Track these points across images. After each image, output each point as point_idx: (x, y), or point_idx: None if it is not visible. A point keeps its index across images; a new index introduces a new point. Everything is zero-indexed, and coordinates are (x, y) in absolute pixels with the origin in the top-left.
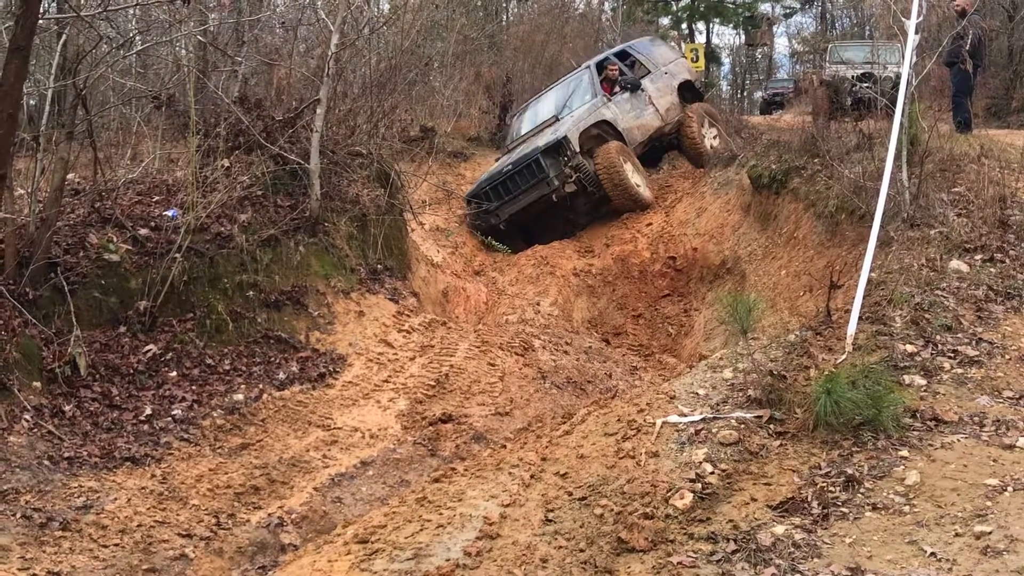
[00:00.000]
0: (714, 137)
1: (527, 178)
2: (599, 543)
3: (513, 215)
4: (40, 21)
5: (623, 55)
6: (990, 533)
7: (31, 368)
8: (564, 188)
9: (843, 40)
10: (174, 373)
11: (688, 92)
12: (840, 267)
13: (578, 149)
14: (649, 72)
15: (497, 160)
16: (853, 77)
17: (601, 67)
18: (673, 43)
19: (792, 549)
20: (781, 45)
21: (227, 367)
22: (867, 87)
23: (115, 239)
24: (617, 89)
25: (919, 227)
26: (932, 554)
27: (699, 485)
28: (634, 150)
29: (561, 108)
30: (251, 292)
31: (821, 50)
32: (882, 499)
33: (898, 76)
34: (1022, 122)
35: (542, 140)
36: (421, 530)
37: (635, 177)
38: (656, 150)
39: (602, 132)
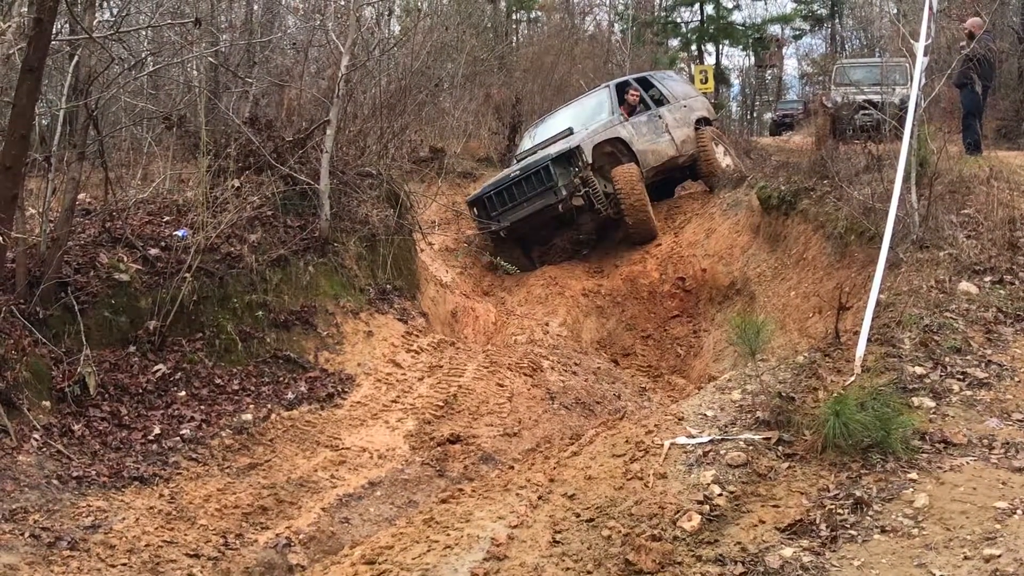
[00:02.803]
0: (725, 154)
1: (534, 185)
2: (607, 565)
3: (516, 223)
4: (53, 43)
5: (644, 82)
6: (999, 556)
7: (41, 387)
8: (571, 200)
9: (850, 59)
10: (183, 393)
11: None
12: (849, 288)
13: (591, 161)
14: (668, 102)
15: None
16: (856, 105)
17: (621, 89)
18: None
19: (800, 572)
20: (791, 66)
21: (236, 387)
22: (869, 114)
23: (125, 259)
24: (638, 110)
25: (928, 249)
26: None
27: (707, 507)
28: (646, 174)
29: (575, 123)
30: (260, 312)
31: (827, 71)
32: (891, 522)
33: (904, 98)
34: None
35: (554, 149)
36: (428, 551)
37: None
38: (669, 181)
39: (615, 151)
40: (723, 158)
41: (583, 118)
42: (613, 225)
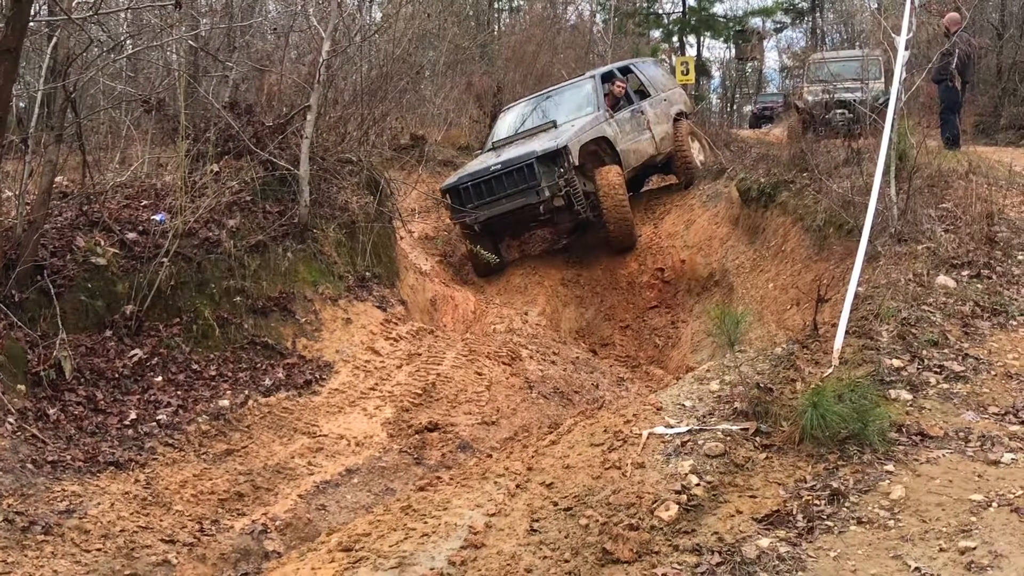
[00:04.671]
0: (699, 152)
1: (515, 182)
2: (584, 554)
3: (492, 219)
4: (31, 23)
5: (625, 70)
6: (975, 549)
7: (16, 371)
8: (552, 201)
9: (824, 53)
10: (159, 378)
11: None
12: (828, 281)
13: (577, 162)
14: (649, 95)
15: (477, 154)
16: (828, 102)
17: (605, 78)
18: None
19: (777, 562)
20: (771, 59)
21: (213, 373)
22: (842, 113)
23: (102, 243)
24: (622, 104)
25: (907, 242)
26: (916, 569)
27: (684, 497)
28: (626, 175)
29: (559, 114)
30: (238, 298)
31: (802, 65)
32: (867, 513)
33: (879, 94)
34: (1010, 139)
35: (539, 144)
36: (406, 538)
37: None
38: (641, 174)
39: (599, 150)
40: (698, 154)
41: (566, 108)
42: (588, 226)
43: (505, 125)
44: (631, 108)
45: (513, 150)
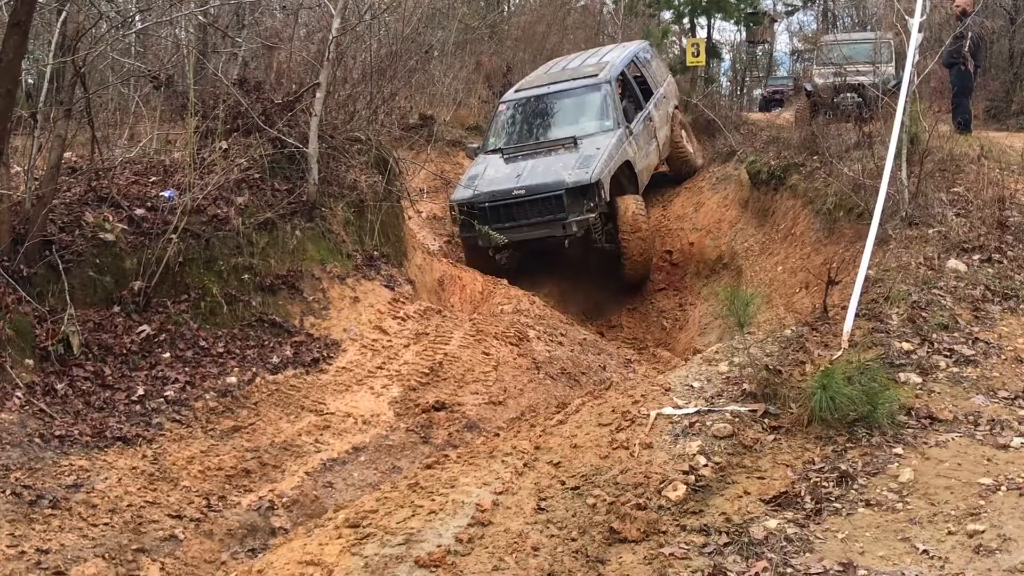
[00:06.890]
0: (690, 144)
1: (541, 211)
2: (591, 532)
3: (511, 244)
4: None
5: (630, 63)
6: (983, 532)
7: (24, 345)
8: (576, 233)
9: (833, 36)
10: (167, 354)
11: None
12: (837, 264)
13: (608, 198)
14: (652, 93)
15: (480, 150)
16: (838, 85)
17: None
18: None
19: (784, 543)
20: (782, 42)
21: (221, 350)
22: (852, 97)
23: (111, 218)
24: (627, 106)
25: (918, 226)
26: (924, 551)
27: (692, 477)
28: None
29: (573, 121)
30: (246, 275)
31: (813, 47)
32: (875, 495)
33: (888, 78)
34: (1021, 124)
35: (566, 172)
36: (413, 516)
37: None
38: None
39: (619, 173)
40: (691, 147)
41: (581, 115)
42: (601, 255)
43: (514, 123)
44: (642, 117)
45: (534, 169)
